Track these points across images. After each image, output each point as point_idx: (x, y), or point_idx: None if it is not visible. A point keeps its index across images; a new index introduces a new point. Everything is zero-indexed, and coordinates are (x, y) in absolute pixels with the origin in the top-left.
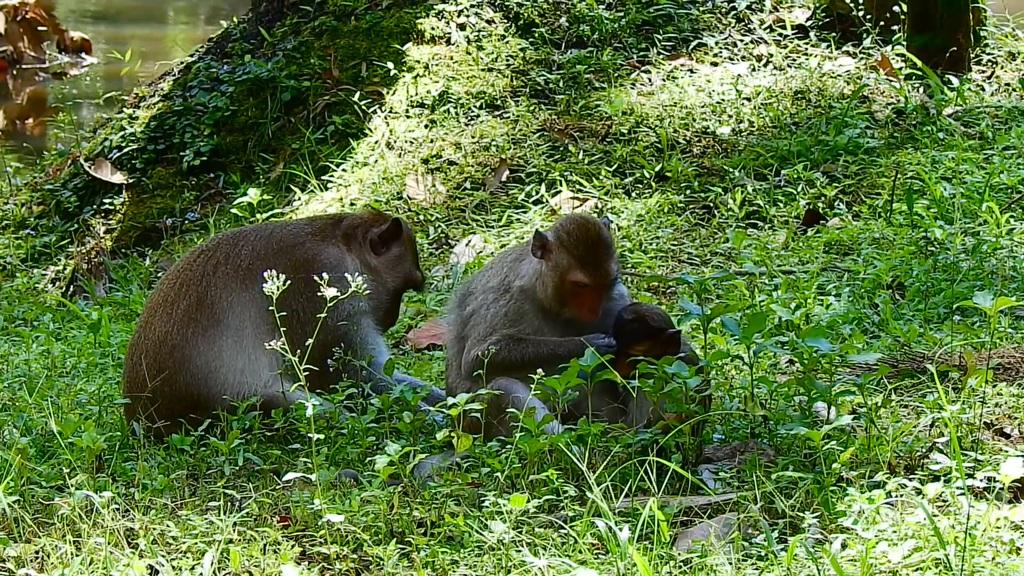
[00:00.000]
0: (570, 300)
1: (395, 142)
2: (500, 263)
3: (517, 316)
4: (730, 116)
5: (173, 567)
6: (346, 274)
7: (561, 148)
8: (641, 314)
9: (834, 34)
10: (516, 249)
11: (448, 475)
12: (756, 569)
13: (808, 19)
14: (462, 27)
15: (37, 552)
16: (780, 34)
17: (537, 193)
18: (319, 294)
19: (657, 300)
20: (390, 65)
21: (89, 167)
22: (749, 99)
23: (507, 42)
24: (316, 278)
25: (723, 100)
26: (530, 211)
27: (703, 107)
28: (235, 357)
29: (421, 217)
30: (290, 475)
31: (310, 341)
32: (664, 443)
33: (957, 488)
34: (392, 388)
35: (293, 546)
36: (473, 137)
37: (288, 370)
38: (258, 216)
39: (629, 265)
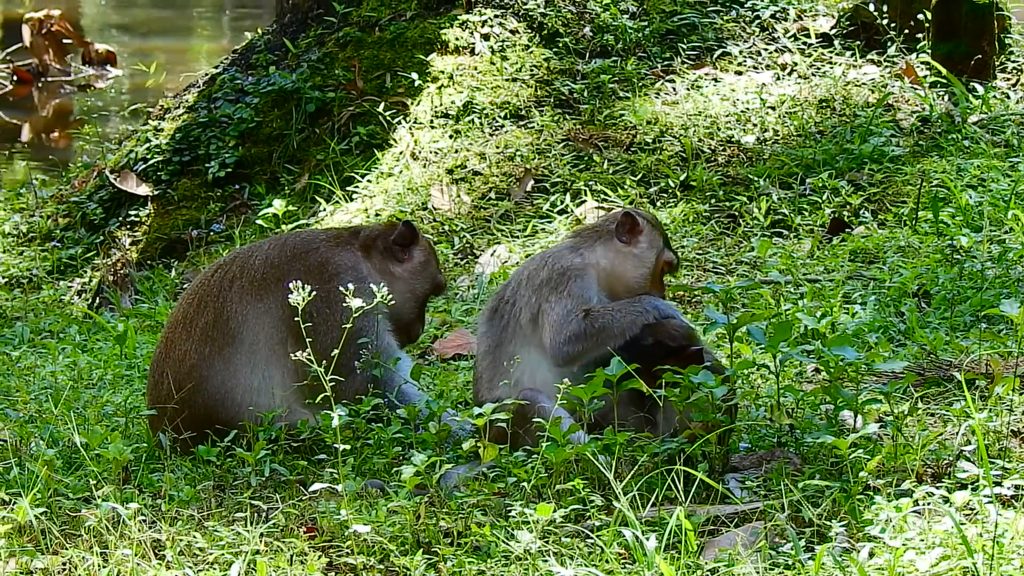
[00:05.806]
0: (655, 282)
1: (420, 152)
2: (540, 261)
3: (581, 293)
4: (755, 125)
5: None
6: (360, 278)
7: (586, 158)
8: (660, 338)
9: (858, 42)
10: (548, 249)
11: (474, 485)
12: None
13: (832, 28)
14: (486, 37)
15: (64, 564)
16: (804, 43)
17: (562, 203)
18: (334, 297)
19: (683, 309)
20: (414, 76)
21: (115, 179)
22: (774, 108)
23: (531, 52)
24: (341, 288)
25: (748, 109)
26: (555, 221)
27: (728, 116)
28: (250, 376)
29: (446, 227)
30: (316, 486)
31: (335, 352)
32: (691, 452)
33: (985, 496)
34: (410, 397)
35: (320, 557)
36: (498, 147)
37: (312, 381)
38: (283, 227)
39: None
